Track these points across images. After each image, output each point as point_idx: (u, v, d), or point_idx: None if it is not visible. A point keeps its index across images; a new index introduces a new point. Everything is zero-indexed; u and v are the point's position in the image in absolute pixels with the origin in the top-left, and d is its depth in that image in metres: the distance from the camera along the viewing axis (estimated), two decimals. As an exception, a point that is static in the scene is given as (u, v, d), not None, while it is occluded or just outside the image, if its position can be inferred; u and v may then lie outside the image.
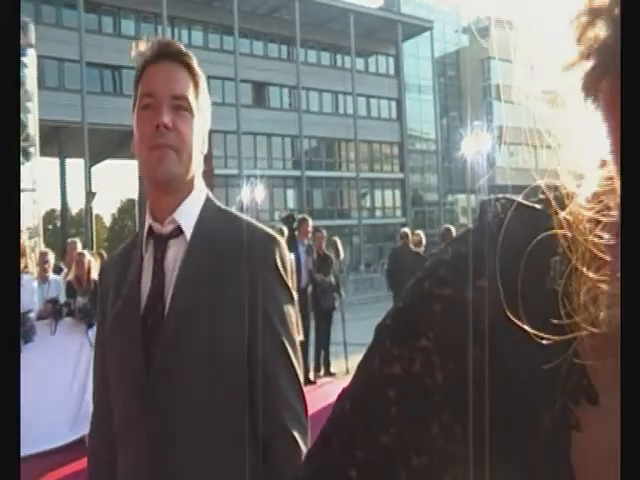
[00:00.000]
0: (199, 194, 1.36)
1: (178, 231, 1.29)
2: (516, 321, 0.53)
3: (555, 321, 0.51)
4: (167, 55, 1.31)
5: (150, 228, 1.31)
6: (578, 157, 0.54)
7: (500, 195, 0.64)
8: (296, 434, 1.23)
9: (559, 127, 0.54)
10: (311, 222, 8.75)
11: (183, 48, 1.34)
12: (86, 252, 6.88)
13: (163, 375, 1.20)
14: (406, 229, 9.98)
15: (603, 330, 0.48)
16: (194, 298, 1.24)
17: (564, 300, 0.52)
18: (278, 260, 1.29)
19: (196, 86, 1.33)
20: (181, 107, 1.28)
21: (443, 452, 0.56)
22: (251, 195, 29.93)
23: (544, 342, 0.52)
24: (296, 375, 1.28)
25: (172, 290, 1.25)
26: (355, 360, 0.82)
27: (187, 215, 1.30)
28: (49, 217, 50.07)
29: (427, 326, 0.59)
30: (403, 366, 0.59)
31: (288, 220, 8.75)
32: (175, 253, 1.28)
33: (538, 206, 0.62)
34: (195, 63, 1.34)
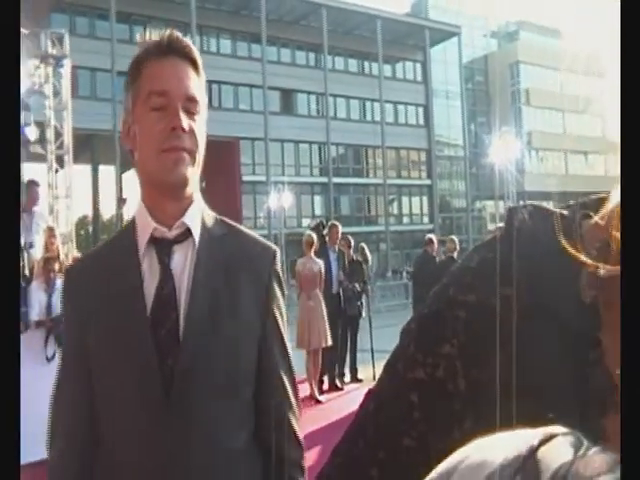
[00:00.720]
0: (199, 200, 1.29)
1: (184, 235, 1.23)
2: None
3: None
4: (176, 51, 1.23)
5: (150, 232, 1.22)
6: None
7: (527, 202, 0.66)
8: (302, 441, 1.29)
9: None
10: (340, 228, 8.77)
11: (191, 44, 1.27)
12: None
13: (184, 386, 1.14)
14: (431, 235, 9.87)
15: None
16: (210, 306, 1.18)
17: (593, 310, 0.48)
18: (280, 271, 1.31)
19: (202, 86, 1.27)
20: (192, 109, 1.21)
21: None
22: (279, 202, 30.06)
23: (572, 351, 0.50)
24: (295, 379, 1.31)
25: (187, 297, 1.18)
26: (382, 367, 0.85)
27: (194, 220, 1.24)
28: (82, 223, 50.77)
29: (451, 332, 0.60)
30: (426, 371, 0.60)
31: (318, 228, 8.75)
32: (181, 258, 1.21)
33: (565, 212, 0.61)
34: (200, 61, 1.27)
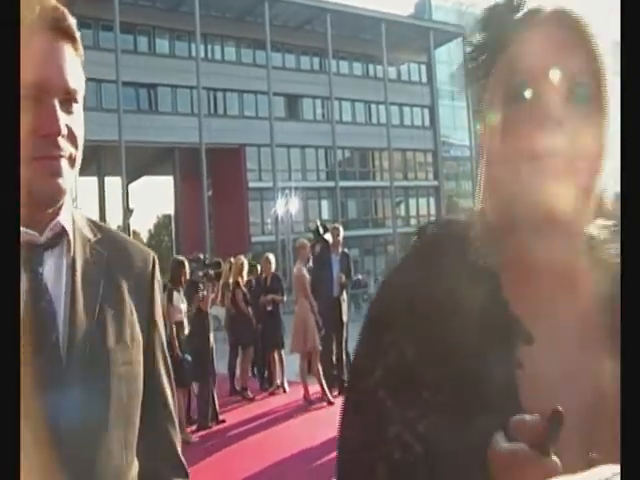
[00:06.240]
0: (69, 200, 1.07)
1: (57, 239, 1.02)
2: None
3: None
4: (53, 25, 0.95)
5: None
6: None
7: (433, 219, 0.81)
8: (187, 468, 1.17)
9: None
10: (342, 232, 8.79)
11: (66, 12, 0.98)
12: None
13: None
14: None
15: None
16: (92, 323, 1.01)
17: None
18: (159, 277, 1.19)
19: (80, 66, 1.01)
20: (71, 100, 0.97)
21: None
22: (286, 207, 30.09)
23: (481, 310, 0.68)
24: (173, 396, 1.19)
25: (66, 313, 0.99)
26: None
27: (68, 220, 1.05)
28: (89, 234, 50.99)
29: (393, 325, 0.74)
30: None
31: (317, 230, 8.74)
32: (54, 267, 1.02)
33: (467, 219, 0.81)
34: (79, 34, 1.00)
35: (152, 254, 1.17)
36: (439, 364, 0.67)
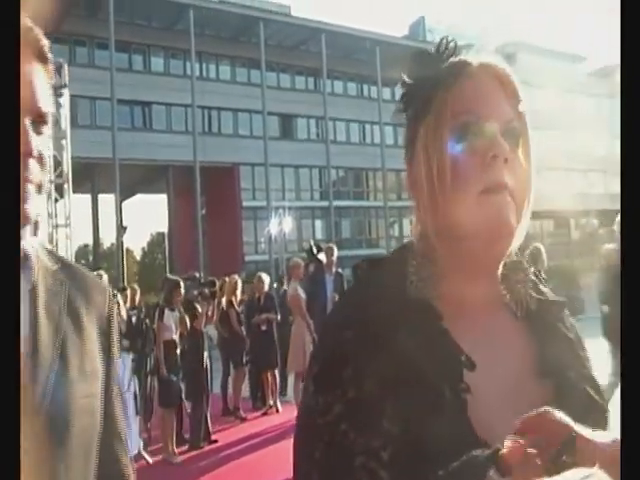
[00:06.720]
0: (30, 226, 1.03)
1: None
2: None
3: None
4: (28, 48, 0.93)
5: None
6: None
7: (368, 258, 0.88)
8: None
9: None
10: (336, 252, 8.73)
11: (39, 32, 0.96)
12: (118, 296, 7.21)
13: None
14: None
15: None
16: (54, 348, 0.97)
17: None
18: (114, 309, 1.17)
19: (49, 88, 0.99)
20: (41, 122, 0.96)
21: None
22: (279, 226, 30.08)
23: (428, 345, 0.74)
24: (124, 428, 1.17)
25: (27, 341, 0.94)
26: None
27: (30, 246, 1.02)
28: (82, 252, 50.89)
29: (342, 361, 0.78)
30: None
31: (311, 250, 8.69)
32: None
33: (394, 256, 0.85)
34: (51, 55, 0.99)
35: (109, 288, 1.16)
36: (393, 395, 0.71)
